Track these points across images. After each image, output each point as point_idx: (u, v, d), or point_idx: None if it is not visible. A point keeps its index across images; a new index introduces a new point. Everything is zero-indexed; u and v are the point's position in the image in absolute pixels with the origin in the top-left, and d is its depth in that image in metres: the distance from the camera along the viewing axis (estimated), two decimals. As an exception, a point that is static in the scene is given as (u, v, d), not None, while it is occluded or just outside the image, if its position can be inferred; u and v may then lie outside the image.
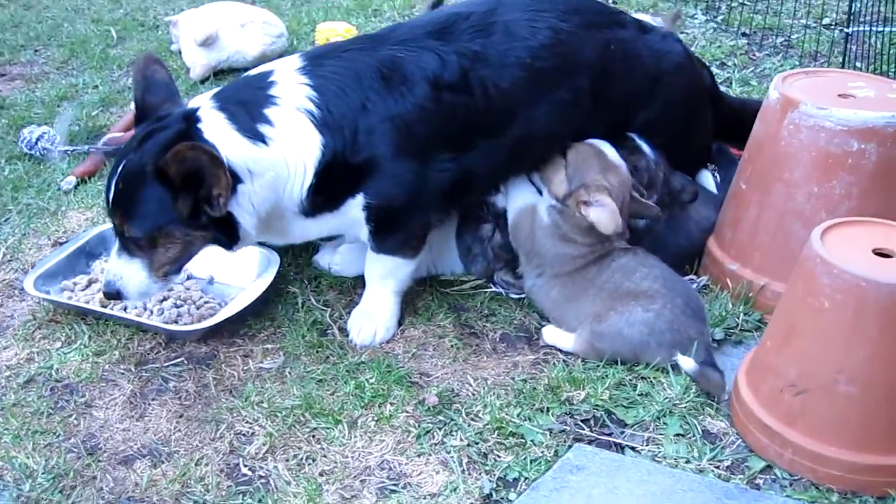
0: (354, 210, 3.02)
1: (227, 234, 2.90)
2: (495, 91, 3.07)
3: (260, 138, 2.86)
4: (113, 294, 2.97)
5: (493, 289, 3.43)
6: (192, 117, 2.86)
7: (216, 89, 3.04)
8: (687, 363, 2.88)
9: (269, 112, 2.90)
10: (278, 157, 2.88)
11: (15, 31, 6.17)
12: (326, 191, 2.97)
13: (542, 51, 3.14)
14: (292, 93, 2.93)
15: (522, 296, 3.37)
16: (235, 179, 2.80)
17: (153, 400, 2.93)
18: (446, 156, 3.04)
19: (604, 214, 3.05)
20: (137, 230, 2.84)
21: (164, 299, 3.30)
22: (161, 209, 2.79)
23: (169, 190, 2.75)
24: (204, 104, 2.91)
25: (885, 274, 2.42)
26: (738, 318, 3.21)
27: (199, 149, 2.69)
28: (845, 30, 5.06)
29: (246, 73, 3.22)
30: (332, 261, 3.55)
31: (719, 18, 6.03)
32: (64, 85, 5.28)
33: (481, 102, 3.06)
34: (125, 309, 3.25)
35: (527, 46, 3.12)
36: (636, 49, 3.37)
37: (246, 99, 2.94)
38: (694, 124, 3.63)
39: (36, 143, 4.44)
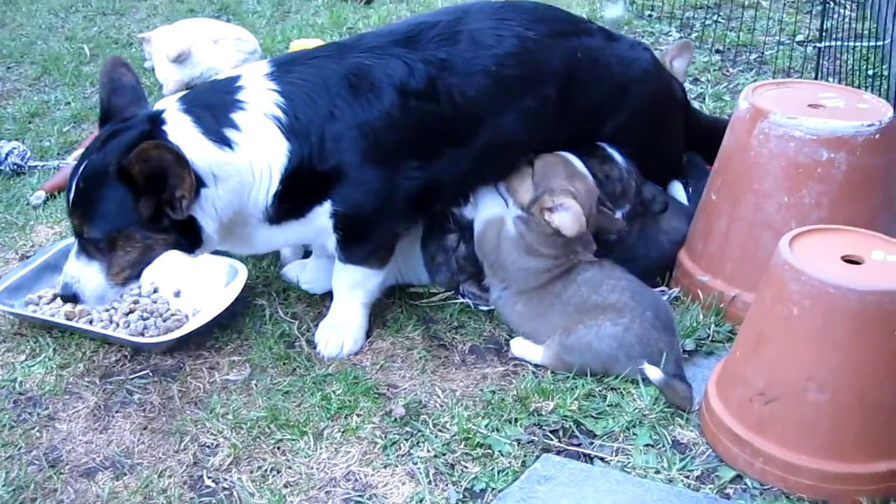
0: (321, 218, 2.99)
1: (189, 238, 2.86)
2: (462, 99, 3.06)
3: (226, 142, 2.83)
4: (69, 297, 2.91)
5: (462, 300, 3.40)
6: (156, 119, 2.83)
7: (183, 93, 3.02)
8: (653, 373, 2.85)
9: (235, 116, 2.87)
10: (244, 161, 2.85)
11: (-12, 49, 6.14)
12: (292, 198, 2.93)
13: (508, 59, 3.14)
14: (260, 98, 2.90)
15: (491, 307, 3.34)
16: (199, 183, 2.76)
17: (117, 412, 2.89)
18: (414, 163, 3.02)
19: (567, 217, 3.03)
20: (96, 231, 2.78)
21: (130, 312, 3.27)
22: (122, 210, 2.74)
23: (131, 191, 2.71)
24: (170, 106, 2.88)
25: (854, 280, 2.41)
26: (709, 329, 3.20)
27: (163, 148, 2.65)
28: (817, 45, 5.09)
29: (214, 78, 3.20)
30: (301, 277, 3.51)
31: (693, 35, 6.05)
32: (35, 101, 5.23)
33: (448, 110, 3.05)
34: (90, 322, 3.21)
35: (492, 54, 3.12)
36: (604, 57, 3.37)
37: (213, 102, 2.91)
38: (663, 132, 3.62)
39: (6, 158, 4.40)
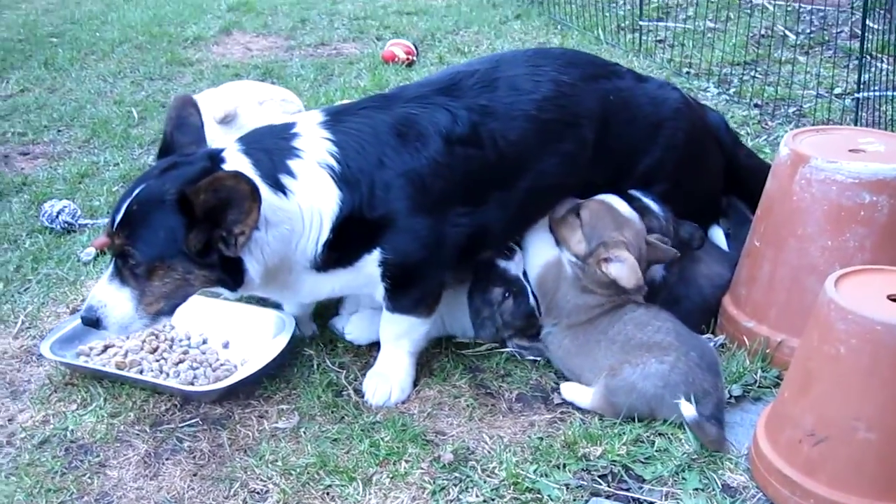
0: (370, 266, 3.03)
1: (233, 277, 2.87)
2: (504, 144, 3.12)
3: (281, 188, 2.88)
4: (92, 321, 2.87)
5: (509, 350, 3.41)
6: (216, 157, 2.88)
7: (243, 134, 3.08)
8: (687, 410, 2.85)
9: (292, 163, 2.92)
10: (296, 209, 2.89)
11: (39, 113, 6.27)
12: (342, 246, 2.98)
13: (546, 103, 3.21)
14: (315, 146, 2.96)
15: (538, 358, 3.36)
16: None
17: (167, 459, 2.92)
18: (461, 210, 3.07)
19: (624, 270, 3.08)
20: (139, 255, 2.78)
21: (181, 362, 3.31)
22: (170, 239, 2.76)
23: (185, 221, 2.73)
24: (229, 146, 2.94)
25: (900, 318, 2.41)
26: (756, 375, 3.19)
27: (241, 179, 2.67)
28: (856, 95, 5.10)
29: (269, 123, 3.25)
30: (345, 328, 3.55)
31: (731, 91, 6.09)
32: (85, 163, 5.35)
33: (492, 155, 3.10)
34: (141, 371, 3.25)
35: (531, 99, 3.19)
36: (635, 97, 3.44)
37: (270, 147, 2.96)
38: (697, 169, 3.65)
39: (57, 216, 4.50)
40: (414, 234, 3.00)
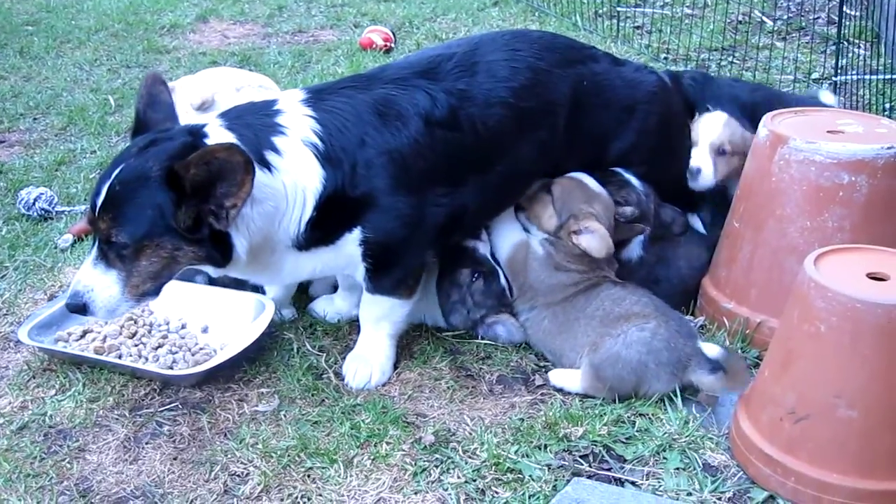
0: (351, 245, 3.02)
1: (221, 253, 2.83)
2: (482, 129, 3.13)
3: (266, 165, 2.85)
4: (78, 307, 2.82)
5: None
6: (198, 132, 2.84)
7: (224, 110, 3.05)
8: (711, 349, 2.92)
9: (276, 140, 2.90)
10: (280, 187, 2.87)
11: (15, 101, 6.21)
12: (324, 225, 2.96)
13: (523, 91, 3.22)
14: (298, 124, 2.94)
15: (510, 342, 3.35)
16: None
17: (147, 443, 2.90)
18: (441, 190, 3.06)
19: (594, 240, 3.14)
20: (126, 236, 2.73)
21: (160, 346, 3.29)
22: (158, 217, 2.71)
23: (174, 197, 2.69)
24: (211, 122, 2.90)
25: (881, 295, 2.42)
26: (736, 356, 3.20)
27: (235, 150, 2.63)
28: (834, 79, 5.12)
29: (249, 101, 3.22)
30: (327, 309, 3.55)
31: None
32: (62, 150, 5.30)
33: (470, 139, 3.10)
34: (120, 356, 3.23)
35: (509, 87, 3.20)
36: (610, 81, 3.44)
37: (254, 123, 2.93)
38: (672, 153, 3.67)
39: (34, 203, 4.46)
40: (395, 213, 2.99)
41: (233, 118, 2.94)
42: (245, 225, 2.83)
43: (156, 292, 2.89)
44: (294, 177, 2.89)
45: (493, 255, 3.40)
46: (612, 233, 3.22)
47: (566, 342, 3.13)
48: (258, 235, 2.88)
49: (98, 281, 2.80)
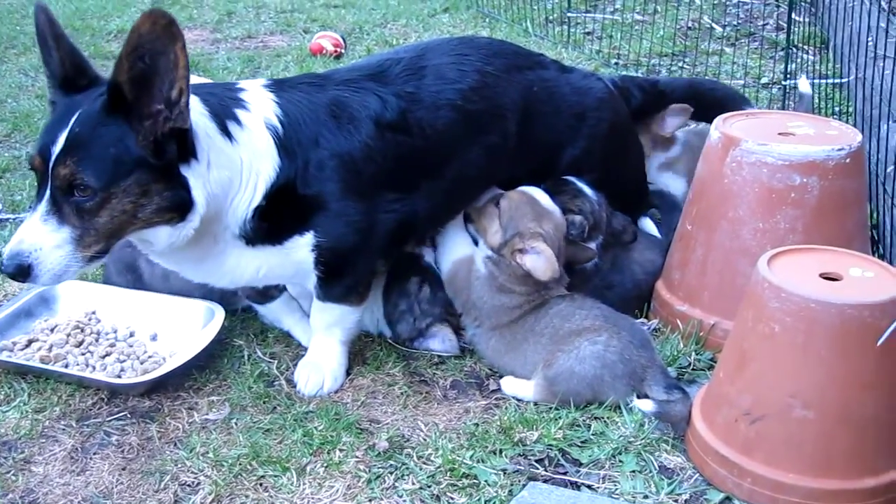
0: (302, 250, 2.95)
1: (182, 198, 2.67)
2: (431, 132, 3.09)
3: (227, 133, 2.78)
4: (20, 269, 2.56)
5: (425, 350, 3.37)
6: None
7: None
8: (646, 405, 2.86)
9: (239, 113, 2.83)
10: (237, 160, 2.78)
11: (-43, 108, 6.13)
12: (273, 218, 2.88)
13: (471, 93, 3.19)
14: (262, 104, 2.89)
15: (446, 353, 3.32)
16: (192, 153, 2.67)
17: (95, 454, 2.83)
18: (392, 196, 3.02)
19: (539, 261, 3.05)
20: (94, 178, 2.54)
21: (107, 355, 3.22)
22: (123, 150, 2.56)
23: (125, 118, 2.55)
24: None
25: (834, 295, 2.42)
26: (690, 358, 3.21)
27: (153, 14, 2.44)
28: (783, 83, 5.16)
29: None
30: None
31: (660, 80, 6.12)
32: (7, 157, 5.21)
33: (420, 143, 3.07)
34: (66, 365, 3.15)
35: (457, 89, 3.17)
36: (559, 88, 3.43)
37: (218, 93, 2.87)
38: (623, 159, 3.68)
39: (-24, 210, 4.37)
40: (346, 219, 2.94)
41: (197, 87, 2.83)
42: (201, 181, 2.70)
43: (105, 253, 2.69)
44: (251, 154, 2.81)
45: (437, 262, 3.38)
46: (562, 253, 3.16)
47: (515, 360, 3.10)
48: (213, 201, 2.74)
49: (47, 239, 2.56)
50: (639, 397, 2.91)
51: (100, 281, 3.71)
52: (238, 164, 2.79)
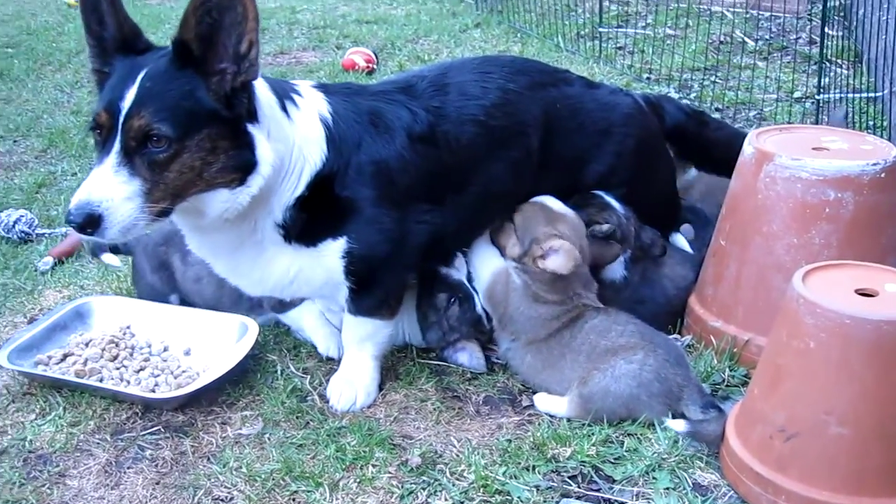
0: (333, 255, 2.95)
1: (247, 156, 2.70)
2: (457, 146, 3.12)
3: (285, 110, 2.83)
4: (90, 220, 2.51)
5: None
6: None
7: None
8: (678, 425, 2.84)
9: (296, 98, 2.90)
10: (291, 139, 2.82)
11: (-6, 124, 6.22)
12: (311, 211, 2.89)
13: (494, 109, 3.21)
14: (315, 98, 2.95)
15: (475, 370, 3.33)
16: (255, 116, 2.71)
17: (129, 468, 2.85)
18: (424, 207, 3.04)
19: (559, 258, 3.06)
20: (170, 128, 2.54)
21: (141, 369, 3.25)
22: (195, 103, 2.59)
23: (195, 70, 2.59)
24: None
25: (870, 311, 2.40)
26: (724, 374, 3.19)
27: None
28: (816, 98, 5.14)
29: None
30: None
31: (692, 95, 6.11)
32: (42, 173, 5.28)
33: (447, 156, 3.10)
34: (101, 380, 3.18)
35: (480, 105, 3.19)
36: (583, 104, 3.43)
37: (276, 80, 2.92)
38: (651, 175, 3.64)
39: (13, 226, 4.42)
40: (379, 226, 2.96)
41: None
42: (264, 139, 2.73)
43: (168, 213, 2.66)
44: (303, 138, 2.85)
45: (469, 280, 3.37)
46: (586, 255, 3.17)
47: (552, 377, 3.09)
48: (271, 171, 2.75)
49: (118, 190, 2.52)
50: (674, 416, 2.89)
51: (133, 294, 3.74)
52: (291, 142, 2.82)
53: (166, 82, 2.59)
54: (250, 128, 2.71)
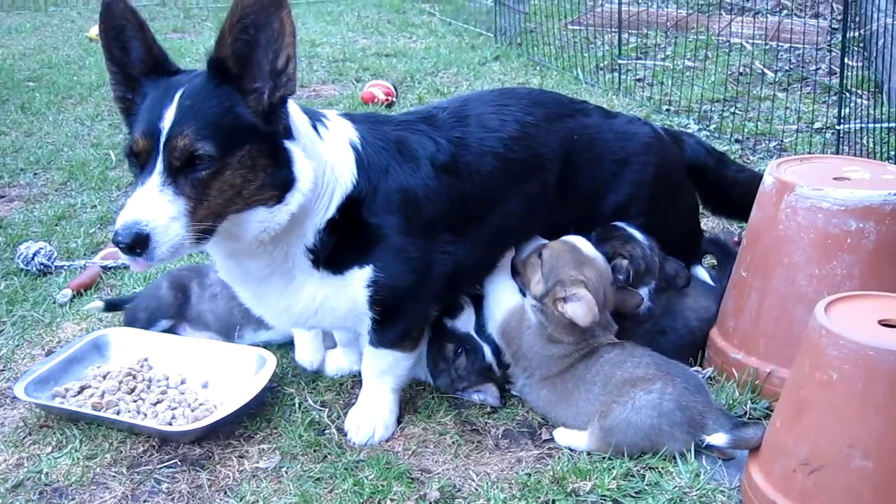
0: (358, 284, 2.94)
1: (286, 173, 2.69)
2: (478, 177, 3.12)
3: (317, 130, 2.84)
4: (138, 240, 2.45)
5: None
6: None
7: None
8: (719, 439, 2.81)
9: (326, 122, 2.92)
10: (323, 158, 2.83)
11: (16, 156, 6.23)
12: (340, 234, 2.88)
13: (512, 142, 3.21)
14: (343, 125, 2.97)
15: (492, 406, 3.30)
16: (291, 133, 2.72)
17: (145, 501, 2.83)
18: (447, 238, 3.04)
19: (580, 308, 3.01)
20: (212, 147, 2.52)
21: (158, 402, 3.23)
22: (235, 118, 2.59)
23: (233, 86, 2.60)
24: None
25: (893, 342, 2.37)
26: (746, 406, 3.15)
27: None
28: (837, 128, 5.11)
29: None
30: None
31: (712, 127, 6.10)
32: (62, 205, 5.30)
33: (469, 187, 3.10)
34: (118, 412, 3.17)
35: (498, 137, 3.20)
36: (601, 134, 3.42)
37: (305, 107, 2.93)
38: (671, 205, 3.62)
39: (33, 258, 4.43)
40: (405, 255, 2.95)
41: None
42: (302, 163, 2.72)
43: (211, 233, 2.62)
44: (335, 159, 2.86)
45: (477, 331, 3.34)
46: (609, 301, 3.14)
47: (567, 410, 3.06)
48: (311, 185, 2.74)
49: (164, 210, 2.49)
50: (697, 447, 2.85)
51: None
52: (324, 162, 2.82)
53: (205, 100, 2.59)
54: (287, 144, 2.71)
